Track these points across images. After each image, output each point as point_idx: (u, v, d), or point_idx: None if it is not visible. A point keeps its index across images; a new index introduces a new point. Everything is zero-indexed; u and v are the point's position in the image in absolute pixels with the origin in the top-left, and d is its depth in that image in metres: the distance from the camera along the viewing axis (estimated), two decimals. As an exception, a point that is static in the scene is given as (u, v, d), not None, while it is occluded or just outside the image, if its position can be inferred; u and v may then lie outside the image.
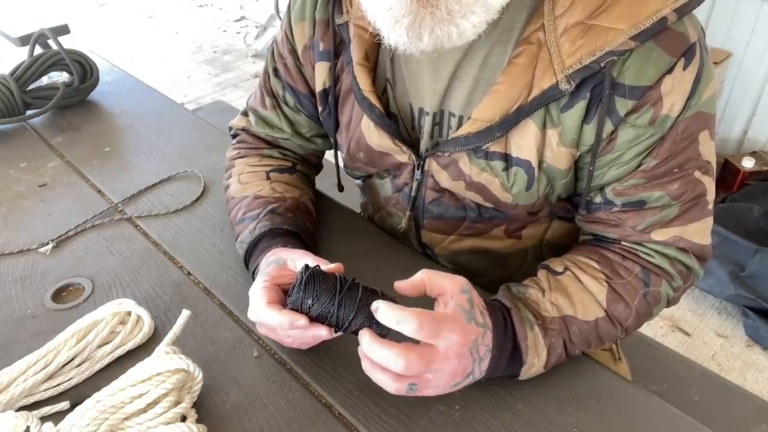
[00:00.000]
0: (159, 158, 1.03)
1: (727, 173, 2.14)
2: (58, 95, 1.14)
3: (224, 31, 4.17)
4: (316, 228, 0.83)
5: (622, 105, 0.59)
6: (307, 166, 0.90)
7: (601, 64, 0.57)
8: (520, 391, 0.63)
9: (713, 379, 1.08)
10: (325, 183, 0.93)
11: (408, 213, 0.78)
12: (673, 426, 0.61)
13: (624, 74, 0.58)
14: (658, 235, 0.65)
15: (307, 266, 0.60)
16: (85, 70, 1.20)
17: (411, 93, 0.70)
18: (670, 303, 0.70)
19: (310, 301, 0.58)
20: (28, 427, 0.53)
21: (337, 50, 0.73)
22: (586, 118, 0.61)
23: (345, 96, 0.75)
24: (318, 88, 0.77)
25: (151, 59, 3.76)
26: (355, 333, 0.58)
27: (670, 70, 0.58)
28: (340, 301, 0.57)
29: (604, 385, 0.64)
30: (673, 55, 0.57)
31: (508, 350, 0.60)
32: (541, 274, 0.67)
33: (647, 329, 1.76)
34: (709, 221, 0.67)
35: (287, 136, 0.85)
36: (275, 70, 0.83)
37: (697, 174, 0.63)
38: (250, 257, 0.74)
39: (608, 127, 0.61)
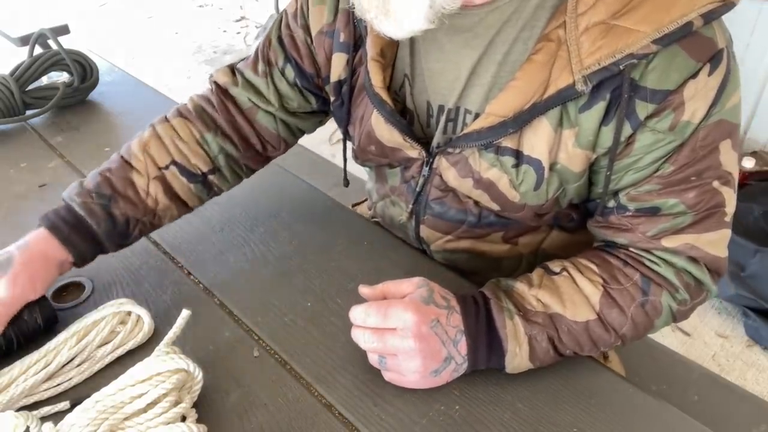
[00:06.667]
0: (159, 158, 1.03)
1: (727, 173, 2.14)
2: (58, 95, 1.14)
3: (224, 31, 4.17)
4: (126, 242, 0.76)
5: (642, 108, 0.58)
6: (231, 171, 0.83)
7: (620, 67, 0.56)
8: (519, 390, 0.63)
9: (713, 379, 1.08)
10: (325, 183, 0.94)
11: (410, 206, 0.78)
12: (673, 426, 0.61)
13: (647, 77, 0.57)
14: (669, 242, 0.63)
15: None
16: (85, 70, 1.20)
17: (430, 89, 0.69)
18: (676, 317, 0.67)
19: None
20: (28, 427, 0.53)
21: (357, 43, 0.73)
22: (604, 120, 0.60)
23: (360, 89, 0.74)
24: (333, 78, 0.76)
25: (151, 59, 3.76)
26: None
27: (694, 75, 0.56)
28: None
29: (604, 385, 0.64)
30: (698, 59, 0.56)
31: (483, 335, 0.61)
32: (536, 272, 0.67)
33: (647, 329, 1.76)
34: (726, 233, 0.64)
35: (271, 110, 0.81)
36: (280, 39, 0.79)
37: (716, 184, 0.61)
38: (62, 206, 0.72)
39: (627, 130, 0.59)
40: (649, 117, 0.58)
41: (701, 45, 0.56)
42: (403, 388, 0.62)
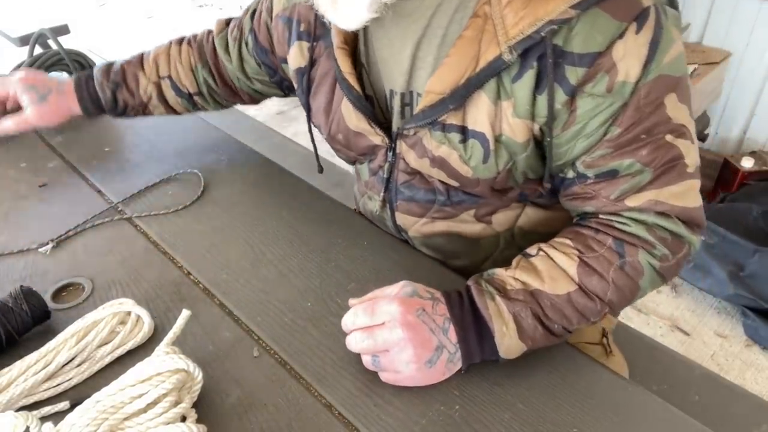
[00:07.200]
0: (159, 158, 1.03)
1: (727, 173, 2.14)
2: (58, 95, 1.13)
3: (224, 31, 4.17)
4: (121, 116, 1.00)
5: (572, 73, 0.59)
6: (212, 99, 1.00)
7: (542, 34, 0.58)
8: (519, 390, 0.63)
9: (714, 379, 1.08)
10: (325, 183, 0.94)
11: (382, 195, 0.80)
12: (673, 426, 0.61)
13: (571, 42, 0.59)
14: (633, 201, 0.64)
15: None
16: (84, 70, 1.20)
17: (383, 76, 0.72)
18: (664, 276, 0.67)
19: None
20: (28, 427, 0.53)
21: (317, 33, 0.76)
22: (537, 89, 0.61)
23: (321, 79, 0.77)
24: (293, 66, 0.80)
25: (151, 59, 3.76)
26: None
27: (621, 35, 0.58)
28: None
29: (604, 384, 0.65)
30: (622, 19, 0.57)
31: (471, 324, 0.62)
32: (515, 259, 0.69)
33: (647, 329, 1.76)
34: (691, 184, 0.64)
35: (230, 67, 0.94)
36: (253, 12, 0.89)
37: (669, 138, 0.62)
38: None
39: (560, 96, 0.61)
40: (583, 82, 0.60)
41: (623, 5, 0.58)
42: (403, 388, 0.62)
